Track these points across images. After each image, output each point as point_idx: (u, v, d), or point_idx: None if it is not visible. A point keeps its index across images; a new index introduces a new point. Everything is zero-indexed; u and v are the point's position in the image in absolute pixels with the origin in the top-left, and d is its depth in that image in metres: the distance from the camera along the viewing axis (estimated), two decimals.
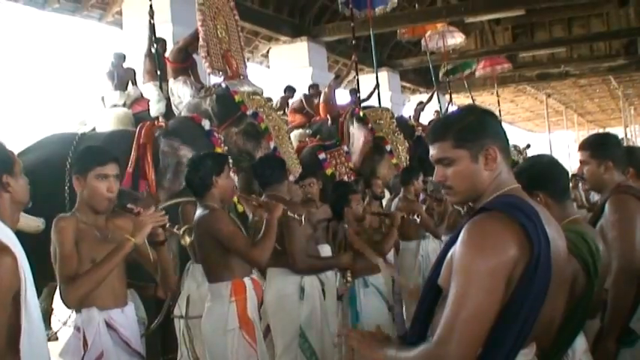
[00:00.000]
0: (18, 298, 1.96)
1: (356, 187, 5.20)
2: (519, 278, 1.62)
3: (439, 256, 1.85)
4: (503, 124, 1.97)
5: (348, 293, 4.55)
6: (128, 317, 2.92)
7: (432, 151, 1.84)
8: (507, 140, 1.85)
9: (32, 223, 4.23)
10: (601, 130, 34.83)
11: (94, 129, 6.66)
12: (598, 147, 3.03)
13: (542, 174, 2.42)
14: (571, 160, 23.02)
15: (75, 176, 2.86)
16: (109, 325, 2.81)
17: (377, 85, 10.23)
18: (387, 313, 4.57)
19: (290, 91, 10.64)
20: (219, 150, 5.47)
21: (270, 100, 6.72)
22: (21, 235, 2.18)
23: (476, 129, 1.78)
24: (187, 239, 2.93)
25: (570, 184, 2.79)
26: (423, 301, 1.87)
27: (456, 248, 1.69)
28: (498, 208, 1.70)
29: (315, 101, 10.14)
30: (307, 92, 10.43)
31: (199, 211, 3.44)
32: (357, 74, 10.00)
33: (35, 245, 4.32)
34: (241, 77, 6.59)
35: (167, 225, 2.87)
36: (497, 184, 1.78)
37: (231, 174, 3.75)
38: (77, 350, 2.78)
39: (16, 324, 1.95)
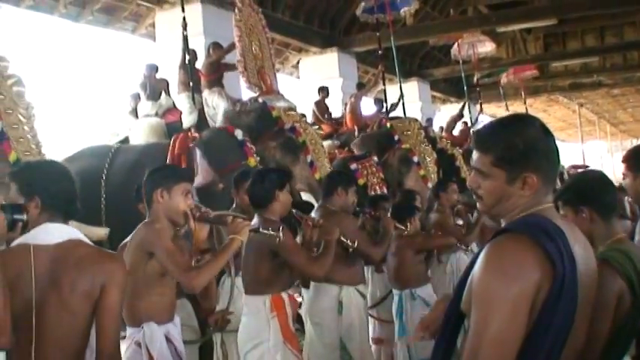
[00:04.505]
0: None
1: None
2: (544, 302, 1.54)
3: (461, 278, 1.78)
4: None
5: (395, 305, 4.54)
6: (178, 328, 3.05)
7: (474, 156, 1.76)
8: (555, 165, 1.72)
9: (100, 232, 4.40)
10: (634, 141, 34.48)
11: (126, 138, 6.76)
12: (633, 160, 2.99)
13: (589, 189, 2.36)
14: (604, 171, 22.62)
15: (160, 189, 2.96)
16: (167, 339, 2.93)
17: (401, 96, 10.01)
18: None
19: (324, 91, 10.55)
20: (252, 160, 5.51)
21: (304, 115, 6.76)
22: None
23: (520, 154, 1.66)
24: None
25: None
26: (446, 325, 1.80)
27: (475, 272, 1.61)
28: (520, 229, 1.63)
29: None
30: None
31: (257, 221, 3.48)
32: (385, 84, 9.89)
33: None
34: (275, 93, 6.64)
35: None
36: (529, 205, 1.69)
37: None
38: None
39: None
